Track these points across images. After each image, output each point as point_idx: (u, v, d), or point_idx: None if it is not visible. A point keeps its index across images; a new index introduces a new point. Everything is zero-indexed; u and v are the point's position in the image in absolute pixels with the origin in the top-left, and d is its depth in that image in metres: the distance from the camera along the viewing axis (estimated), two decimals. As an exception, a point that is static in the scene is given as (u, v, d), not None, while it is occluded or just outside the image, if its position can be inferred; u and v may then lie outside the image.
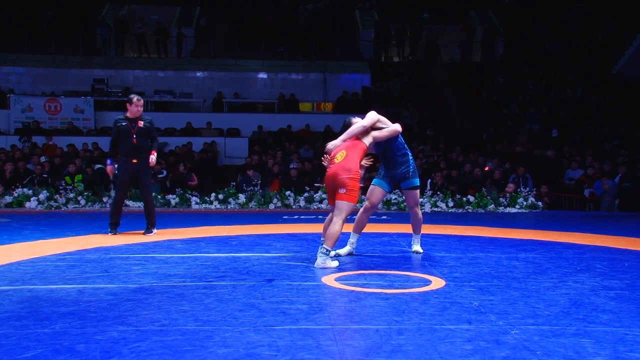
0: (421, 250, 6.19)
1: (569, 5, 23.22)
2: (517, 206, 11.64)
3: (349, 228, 5.94)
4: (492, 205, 11.60)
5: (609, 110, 18.26)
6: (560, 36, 21.98)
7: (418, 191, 6.02)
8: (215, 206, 11.45)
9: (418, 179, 5.99)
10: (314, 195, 11.70)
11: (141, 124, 7.45)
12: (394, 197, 11.44)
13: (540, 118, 17.70)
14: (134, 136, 7.36)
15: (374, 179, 6.00)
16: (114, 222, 7.57)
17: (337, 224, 5.29)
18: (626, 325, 3.59)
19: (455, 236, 7.60)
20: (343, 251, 5.92)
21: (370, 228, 8.34)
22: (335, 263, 5.35)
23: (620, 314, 3.84)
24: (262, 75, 20.25)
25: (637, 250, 6.60)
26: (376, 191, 5.92)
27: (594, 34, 21.70)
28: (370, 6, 24.00)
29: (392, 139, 5.79)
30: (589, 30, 21.93)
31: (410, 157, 5.95)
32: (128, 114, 7.47)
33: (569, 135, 16.62)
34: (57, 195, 11.38)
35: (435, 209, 11.53)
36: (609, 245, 6.91)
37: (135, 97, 7.46)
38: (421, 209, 10.88)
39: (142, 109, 7.53)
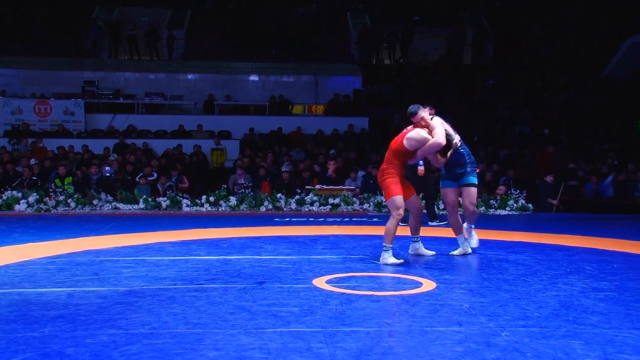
0: (476, 245, 6.39)
1: (561, 8, 23.32)
2: (508, 208, 11.68)
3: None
4: (483, 207, 11.63)
5: (599, 112, 18.36)
6: (551, 39, 22.08)
7: (474, 189, 6.22)
8: (206, 209, 11.41)
9: (475, 178, 6.23)
10: (305, 198, 11.68)
11: None
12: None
13: (531, 120, 17.77)
14: None
15: (441, 182, 6.39)
16: (435, 215, 9.60)
17: (389, 222, 5.74)
18: (615, 327, 3.62)
19: (446, 238, 7.60)
20: (457, 252, 6.35)
21: (361, 230, 8.38)
22: (399, 261, 5.66)
23: (609, 316, 3.86)
24: (254, 78, 20.22)
25: (626, 252, 6.64)
26: (447, 192, 6.31)
27: (585, 37, 21.81)
28: (362, 9, 24.02)
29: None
30: (580, 33, 22.05)
31: (467, 158, 6.18)
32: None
33: (558, 137, 16.69)
34: (47, 198, 11.30)
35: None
36: (599, 247, 6.95)
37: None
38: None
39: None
